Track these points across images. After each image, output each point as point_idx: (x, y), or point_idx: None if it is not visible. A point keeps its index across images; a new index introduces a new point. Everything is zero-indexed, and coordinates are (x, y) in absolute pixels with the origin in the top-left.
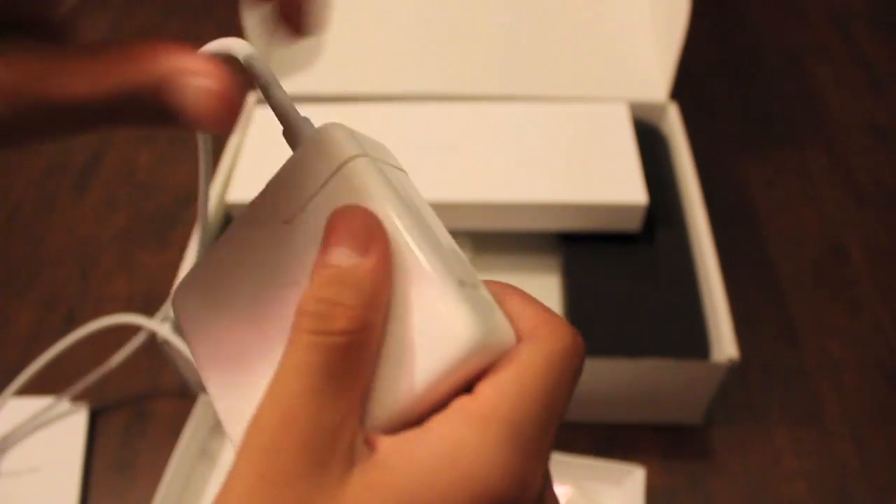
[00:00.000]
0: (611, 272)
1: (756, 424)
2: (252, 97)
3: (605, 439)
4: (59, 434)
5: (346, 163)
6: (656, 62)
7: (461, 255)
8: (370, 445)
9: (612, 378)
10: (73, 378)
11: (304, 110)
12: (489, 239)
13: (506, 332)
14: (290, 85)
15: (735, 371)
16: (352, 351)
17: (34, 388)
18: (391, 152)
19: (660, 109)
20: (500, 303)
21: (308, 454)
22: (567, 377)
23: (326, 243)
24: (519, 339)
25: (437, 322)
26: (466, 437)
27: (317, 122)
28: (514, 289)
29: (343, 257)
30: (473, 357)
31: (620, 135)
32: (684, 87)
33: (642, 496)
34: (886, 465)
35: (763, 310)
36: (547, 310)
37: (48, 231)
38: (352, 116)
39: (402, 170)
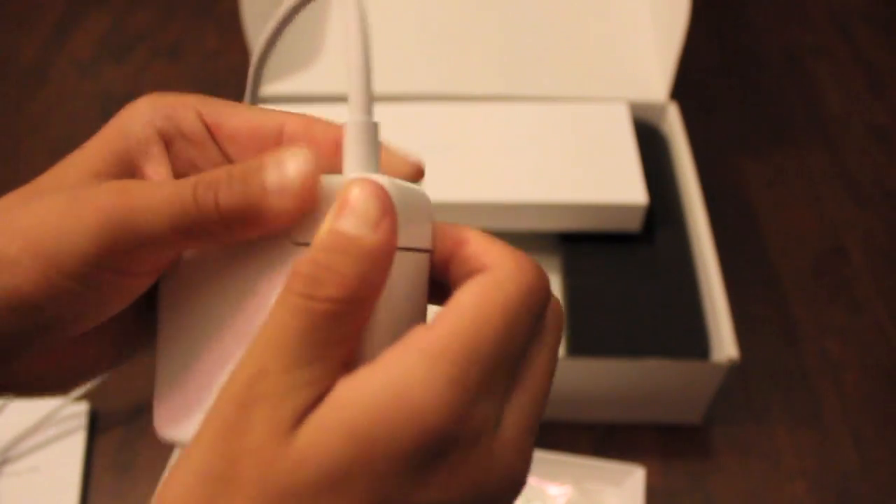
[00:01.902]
0: (611, 272)
1: (756, 424)
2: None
3: (605, 439)
4: (60, 434)
5: None
6: (656, 62)
7: None
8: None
9: (612, 378)
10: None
11: (304, 110)
12: None
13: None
14: (291, 85)
15: (735, 371)
16: (334, 320)
17: None
18: (428, 211)
19: (660, 109)
20: (464, 239)
21: (271, 407)
22: (526, 317)
23: (338, 209)
24: (483, 269)
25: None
26: (416, 370)
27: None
28: (480, 231)
29: (350, 225)
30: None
31: (620, 135)
32: (684, 87)
33: (642, 496)
34: (886, 465)
35: (763, 310)
36: (512, 247)
37: None
38: None
39: (426, 250)
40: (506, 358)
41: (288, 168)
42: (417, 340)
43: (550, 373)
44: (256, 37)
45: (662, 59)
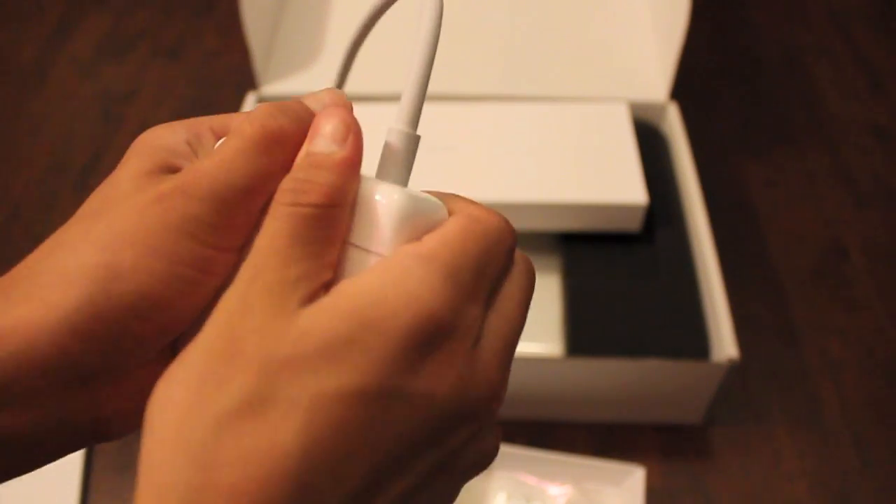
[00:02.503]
0: (611, 272)
1: (756, 424)
2: (251, 97)
3: (605, 439)
4: None
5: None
6: (656, 62)
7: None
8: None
9: (612, 378)
10: None
11: None
12: None
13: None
14: (291, 85)
15: (735, 371)
16: (319, 222)
17: None
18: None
19: (660, 109)
20: (445, 199)
21: (270, 296)
22: (499, 249)
23: (310, 135)
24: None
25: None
26: (413, 267)
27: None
28: (459, 196)
29: (322, 146)
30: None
31: (620, 135)
32: (684, 87)
33: (642, 496)
34: (886, 465)
35: (763, 310)
36: (485, 206)
37: (48, 231)
38: None
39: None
40: (486, 273)
41: (322, 95)
42: (409, 248)
43: (523, 305)
44: (256, 37)
45: (662, 59)
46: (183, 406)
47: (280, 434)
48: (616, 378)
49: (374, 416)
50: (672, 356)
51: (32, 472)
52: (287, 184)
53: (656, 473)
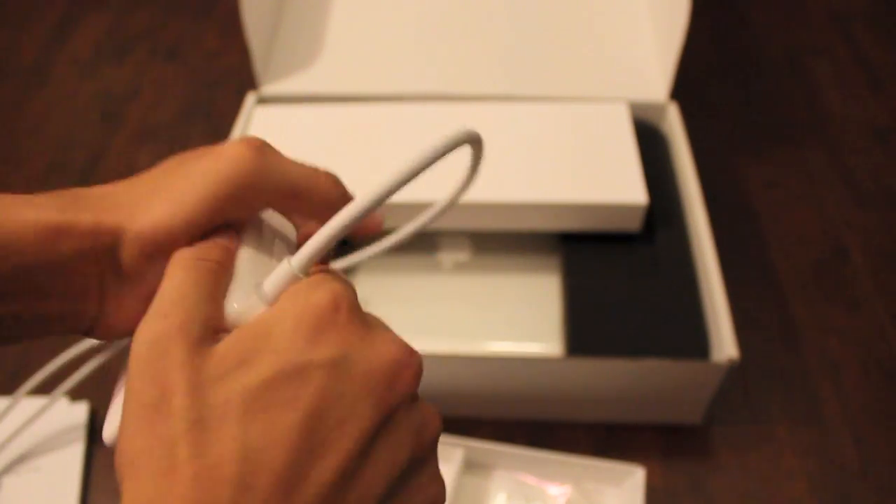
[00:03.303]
0: (611, 272)
1: (756, 424)
2: (251, 97)
3: (605, 439)
4: (60, 434)
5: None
6: (656, 62)
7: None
8: None
9: (612, 378)
10: (73, 377)
11: (304, 110)
12: (489, 239)
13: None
14: (291, 85)
15: (735, 371)
16: (215, 272)
17: (34, 388)
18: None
19: (660, 109)
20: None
21: (183, 333)
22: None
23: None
24: None
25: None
26: (298, 292)
27: (317, 122)
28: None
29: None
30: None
31: (620, 135)
32: (684, 87)
33: (642, 496)
34: (886, 465)
35: (763, 310)
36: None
37: None
38: (352, 116)
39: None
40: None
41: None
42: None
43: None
44: (256, 37)
45: (662, 59)
46: (144, 456)
47: (220, 445)
48: (616, 378)
49: (298, 390)
50: (672, 356)
51: (32, 472)
52: (188, 250)
53: (656, 473)
